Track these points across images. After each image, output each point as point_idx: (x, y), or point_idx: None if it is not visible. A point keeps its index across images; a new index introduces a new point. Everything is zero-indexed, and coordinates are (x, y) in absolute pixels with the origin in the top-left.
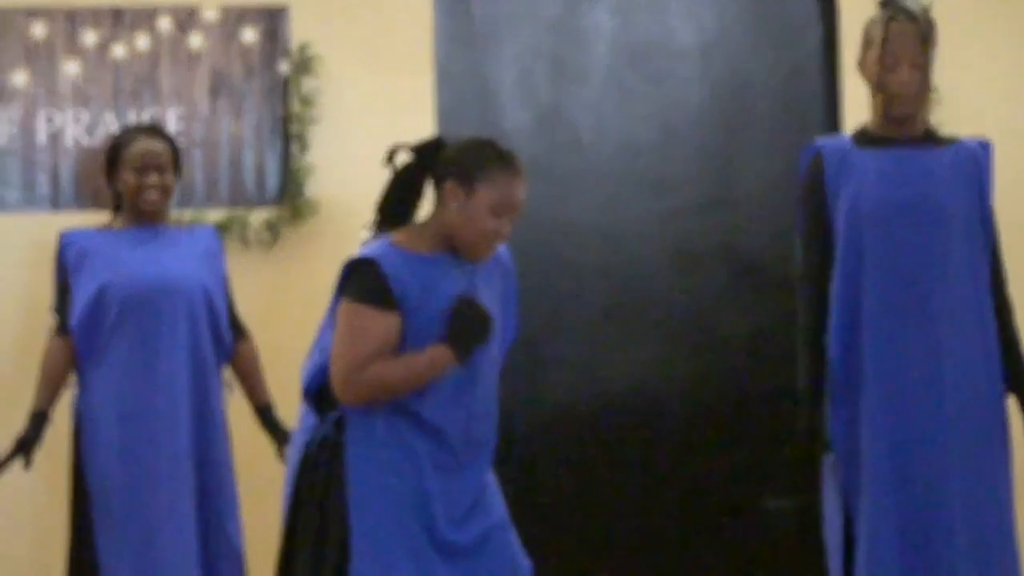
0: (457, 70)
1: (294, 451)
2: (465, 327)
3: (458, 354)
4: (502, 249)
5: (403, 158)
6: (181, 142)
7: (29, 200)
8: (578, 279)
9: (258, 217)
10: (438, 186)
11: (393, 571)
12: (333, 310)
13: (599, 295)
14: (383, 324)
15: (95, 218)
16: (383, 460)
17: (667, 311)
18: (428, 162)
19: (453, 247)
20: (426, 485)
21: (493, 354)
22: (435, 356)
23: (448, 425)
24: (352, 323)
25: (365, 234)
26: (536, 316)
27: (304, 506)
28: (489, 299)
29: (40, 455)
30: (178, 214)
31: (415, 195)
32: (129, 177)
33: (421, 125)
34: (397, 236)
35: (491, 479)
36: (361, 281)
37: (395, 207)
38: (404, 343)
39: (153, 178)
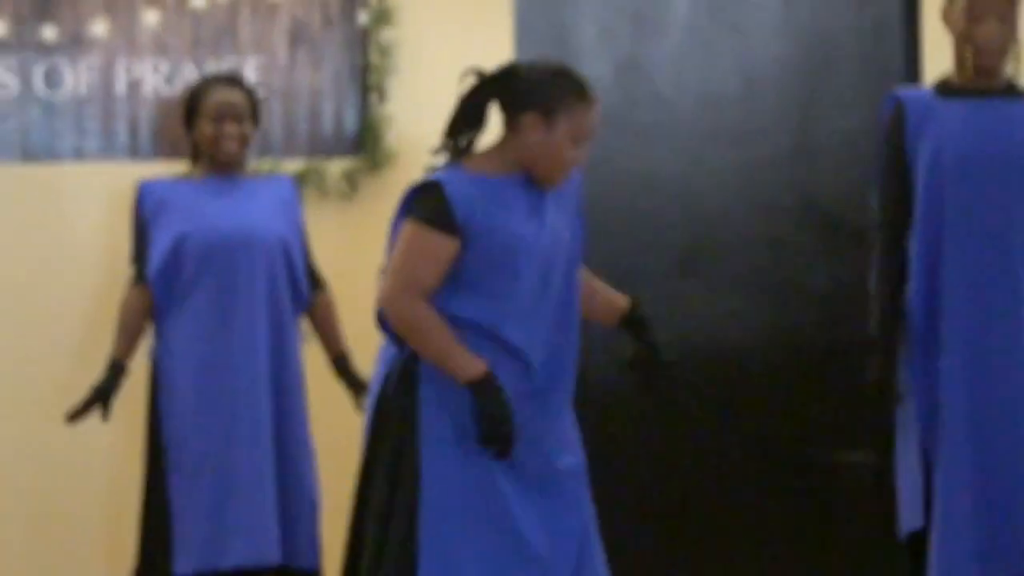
0: (536, 21)
1: (374, 383)
2: (492, 421)
3: (476, 390)
4: None
5: (471, 82)
6: (260, 92)
7: (108, 149)
8: (656, 231)
9: (336, 167)
10: (512, 115)
11: (464, 506)
12: (395, 232)
13: (677, 247)
14: (441, 247)
15: (173, 168)
16: (458, 389)
17: (746, 263)
18: (498, 89)
19: (524, 171)
20: None
21: (568, 277)
22: (469, 365)
23: (528, 346)
24: (411, 242)
25: (435, 160)
26: (614, 267)
27: (380, 438)
28: (560, 219)
29: (117, 404)
30: (256, 164)
31: (481, 121)
32: (207, 127)
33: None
34: (466, 162)
35: (572, 422)
36: (425, 203)
37: (461, 133)
38: (465, 264)
39: (231, 128)
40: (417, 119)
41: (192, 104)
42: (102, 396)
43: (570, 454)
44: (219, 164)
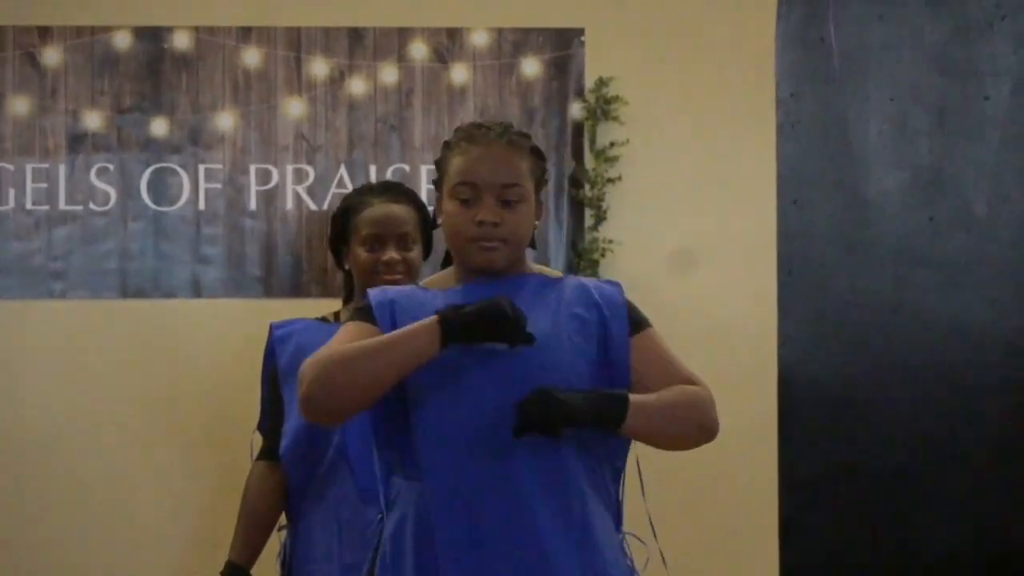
0: (806, 116)
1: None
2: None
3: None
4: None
5: None
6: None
7: (236, 282)
8: (974, 396)
9: None
10: None
11: None
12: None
13: (997, 417)
14: None
15: (318, 308)
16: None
17: None
18: None
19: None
20: None
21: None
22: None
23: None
24: None
25: None
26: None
27: None
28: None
29: None
30: None
31: None
32: (361, 252)
33: (761, 188)
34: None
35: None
36: None
37: None
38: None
39: (392, 253)
40: (644, 245)
41: (341, 223)
42: None
43: None
44: None
